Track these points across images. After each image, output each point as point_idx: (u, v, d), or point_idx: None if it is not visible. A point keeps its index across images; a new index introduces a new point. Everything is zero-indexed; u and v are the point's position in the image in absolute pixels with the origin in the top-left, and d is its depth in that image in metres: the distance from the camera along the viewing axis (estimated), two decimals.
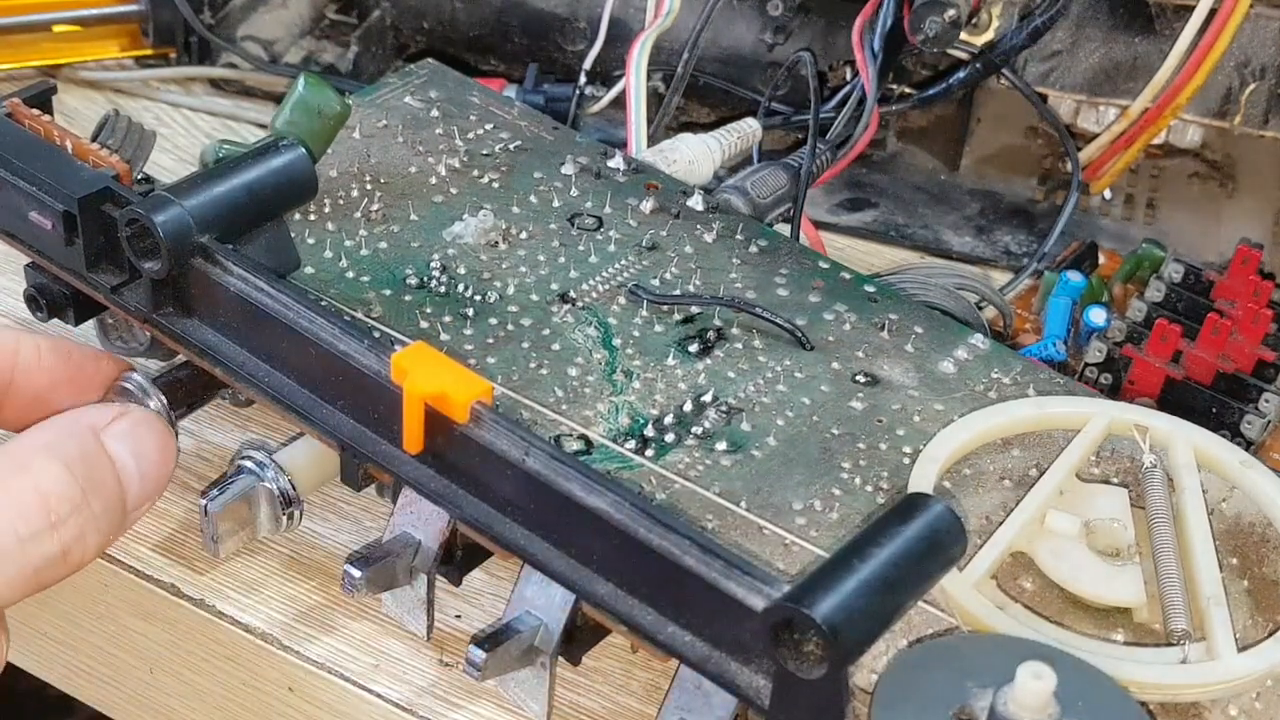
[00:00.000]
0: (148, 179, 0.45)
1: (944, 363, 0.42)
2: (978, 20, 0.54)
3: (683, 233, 0.46)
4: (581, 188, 0.47)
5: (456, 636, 0.39)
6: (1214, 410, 0.44)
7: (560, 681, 0.38)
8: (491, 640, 0.35)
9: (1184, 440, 0.40)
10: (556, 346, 0.42)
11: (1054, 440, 0.40)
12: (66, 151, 0.41)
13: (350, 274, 0.44)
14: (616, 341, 0.42)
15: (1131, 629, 0.37)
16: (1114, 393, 0.46)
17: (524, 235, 0.45)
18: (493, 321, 0.42)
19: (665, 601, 0.33)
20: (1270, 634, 0.36)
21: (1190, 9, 0.51)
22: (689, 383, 0.41)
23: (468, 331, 0.42)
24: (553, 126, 0.50)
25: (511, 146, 0.49)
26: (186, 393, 0.40)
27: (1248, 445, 0.44)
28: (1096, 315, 0.47)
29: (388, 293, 0.43)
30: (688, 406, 0.41)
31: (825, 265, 0.46)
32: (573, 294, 0.44)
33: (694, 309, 0.43)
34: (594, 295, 0.44)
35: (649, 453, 0.39)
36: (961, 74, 0.55)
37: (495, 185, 0.47)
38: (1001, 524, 0.38)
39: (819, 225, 0.53)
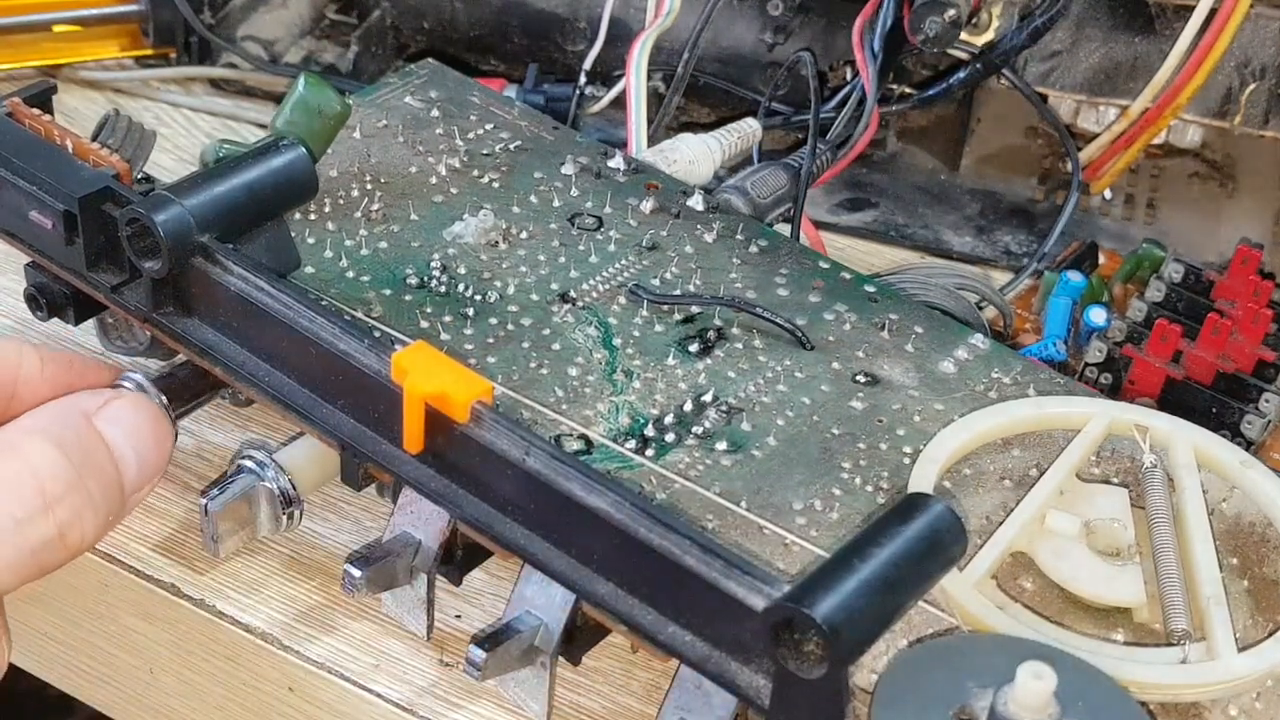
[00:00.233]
0: (148, 179, 0.45)
1: (944, 363, 0.42)
2: (978, 20, 0.54)
3: (683, 233, 0.46)
4: (581, 188, 0.47)
5: (456, 636, 0.39)
6: (1214, 410, 0.44)
7: (560, 681, 0.38)
8: (491, 640, 0.35)
9: (1184, 440, 0.40)
10: (557, 346, 0.42)
11: (1054, 440, 0.40)
12: (67, 151, 0.41)
13: (350, 273, 0.44)
14: (617, 341, 0.42)
15: (1131, 629, 0.37)
16: (1114, 393, 0.46)
17: (524, 235, 0.45)
18: (493, 321, 0.42)
19: (665, 601, 0.33)
20: (1270, 634, 0.36)
21: (1190, 9, 0.51)
22: (689, 382, 0.41)
23: (468, 331, 0.42)
24: (553, 126, 0.50)
25: (512, 146, 0.49)
26: (186, 392, 0.40)
27: (1248, 445, 0.44)
28: (1096, 315, 0.47)
29: (388, 292, 0.43)
30: (688, 406, 0.41)
31: (825, 265, 0.46)
32: (573, 294, 0.44)
33: (694, 309, 0.43)
34: (594, 295, 0.44)
35: (649, 452, 0.39)
36: (961, 74, 0.55)
37: (495, 185, 0.47)
38: (1001, 524, 0.38)
39: (819, 225, 0.53)
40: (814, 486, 0.39)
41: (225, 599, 0.40)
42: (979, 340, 0.43)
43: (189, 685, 0.42)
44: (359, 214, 0.46)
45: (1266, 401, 0.44)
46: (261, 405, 0.40)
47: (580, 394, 0.41)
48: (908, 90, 0.56)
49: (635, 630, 0.33)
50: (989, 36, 0.54)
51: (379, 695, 0.38)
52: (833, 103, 0.54)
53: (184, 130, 0.58)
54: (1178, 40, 0.51)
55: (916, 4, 0.50)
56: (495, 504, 0.35)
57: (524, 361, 0.41)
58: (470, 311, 0.43)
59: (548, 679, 0.36)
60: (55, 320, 0.42)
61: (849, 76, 0.55)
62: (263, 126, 0.58)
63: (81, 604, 0.43)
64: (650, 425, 0.40)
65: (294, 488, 0.39)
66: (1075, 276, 0.49)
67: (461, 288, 0.43)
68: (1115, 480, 0.40)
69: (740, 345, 0.42)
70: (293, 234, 0.41)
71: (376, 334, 0.41)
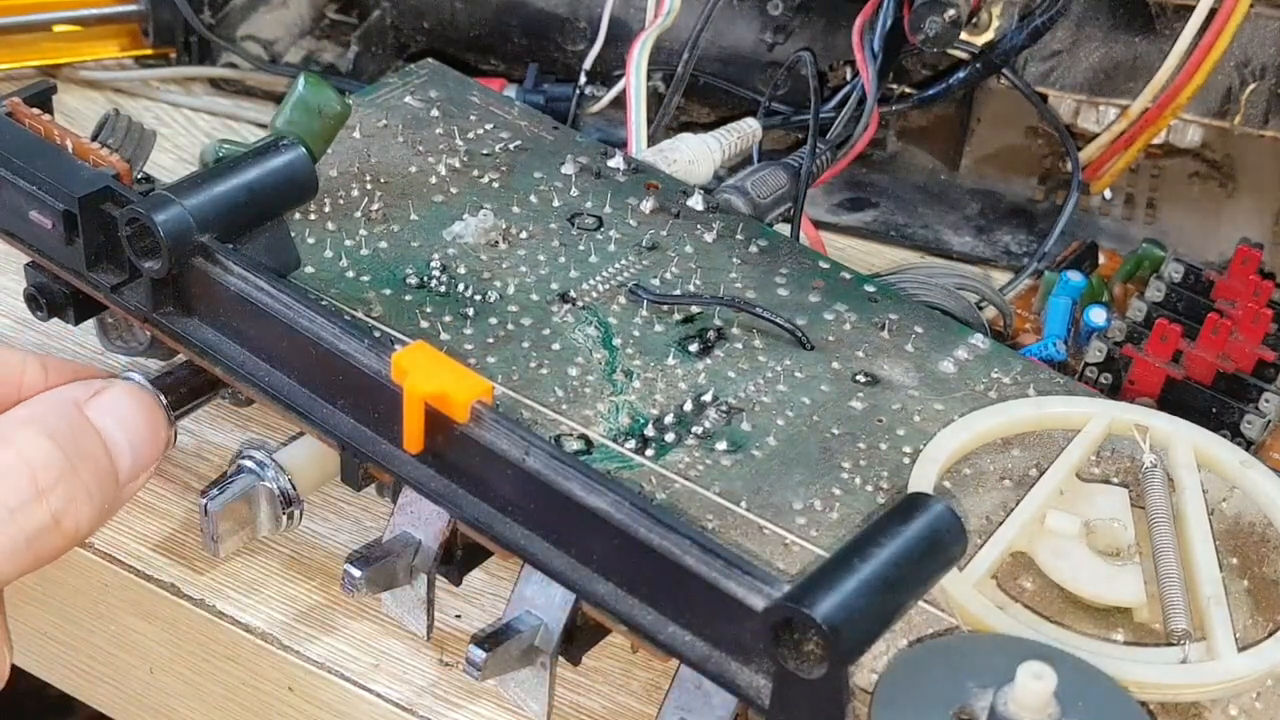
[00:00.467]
0: (148, 178, 0.45)
1: (944, 362, 0.42)
2: (978, 20, 0.54)
3: (683, 232, 0.46)
4: (581, 187, 0.47)
5: (456, 636, 0.39)
6: (1214, 410, 0.44)
7: (560, 681, 0.38)
8: (491, 640, 0.35)
9: (1184, 440, 0.40)
10: (557, 346, 0.42)
11: (1054, 440, 0.40)
12: (67, 151, 0.41)
13: (350, 273, 0.44)
14: (616, 341, 0.42)
15: (1131, 629, 0.37)
16: (1114, 393, 0.46)
17: (524, 235, 0.45)
18: (493, 321, 0.42)
19: (665, 601, 0.33)
20: (1270, 634, 0.36)
21: (1190, 9, 0.50)
22: (689, 382, 0.41)
23: (468, 331, 0.42)
24: (553, 126, 0.50)
25: (511, 146, 0.49)
26: (186, 392, 0.40)
27: (1248, 445, 0.44)
28: (1096, 315, 0.47)
29: (388, 292, 0.43)
30: (688, 406, 0.41)
31: (825, 265, 0.46)
32: (573, 294, 0.44)
33: (694, 309, 0.43)
34: (594, 295, 0.44)
35: (649, 452, 0.39)
36: (961, 74, 0.55)
37: (495, 185, 0.47)
38: (1001, 524, 0.38)
39: (819, 225, 0.53)
40: (814, 486, 0.39)
41: (225, 599, 0.40)
42: (979, 340, 0.43)
43: (189, 685, 0.42)
44: (359, 214, 0.46)
45: (1266, 401, 0.44)
46: (261, 405, 0.40)
47: (580, 394, 0.41)
48: (908, 90, 0.56)
49: (635, 630, 0.33)
50: (989, 36, 0.54)
51: (379, 695, 0.38)
52: (833, 103, 0.54)
53: (184, 130, 0.58)
54: (1178, 40, 0.51)
55: (916, 4, 0.50)
56: (495, 504, 0.35)
57: (524, 361, 0.41)
58: (470, 311, 0.43)
59: (548, 679, 0.36)
60: (55, 320, 0.42)
61: (849, 76, 0.55)
62: (263, 126, 0.58)
63: (81, 604, 0.43)
64: (650, 425, 0.40)
65: (294, 488, 0.39)
66: (1075, 276, 0.49)
67: (461, 288, 0.43)
68: (1115, 480, 0.40)
69: (740, 345, 0.42)
70: (293, 234, 0.41)
71: (376, 334, 0.41)
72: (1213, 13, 0.50)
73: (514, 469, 0.34)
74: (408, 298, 0.43)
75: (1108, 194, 0.56)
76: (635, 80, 0.51)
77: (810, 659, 0.31)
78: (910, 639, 0.36)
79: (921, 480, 0.38)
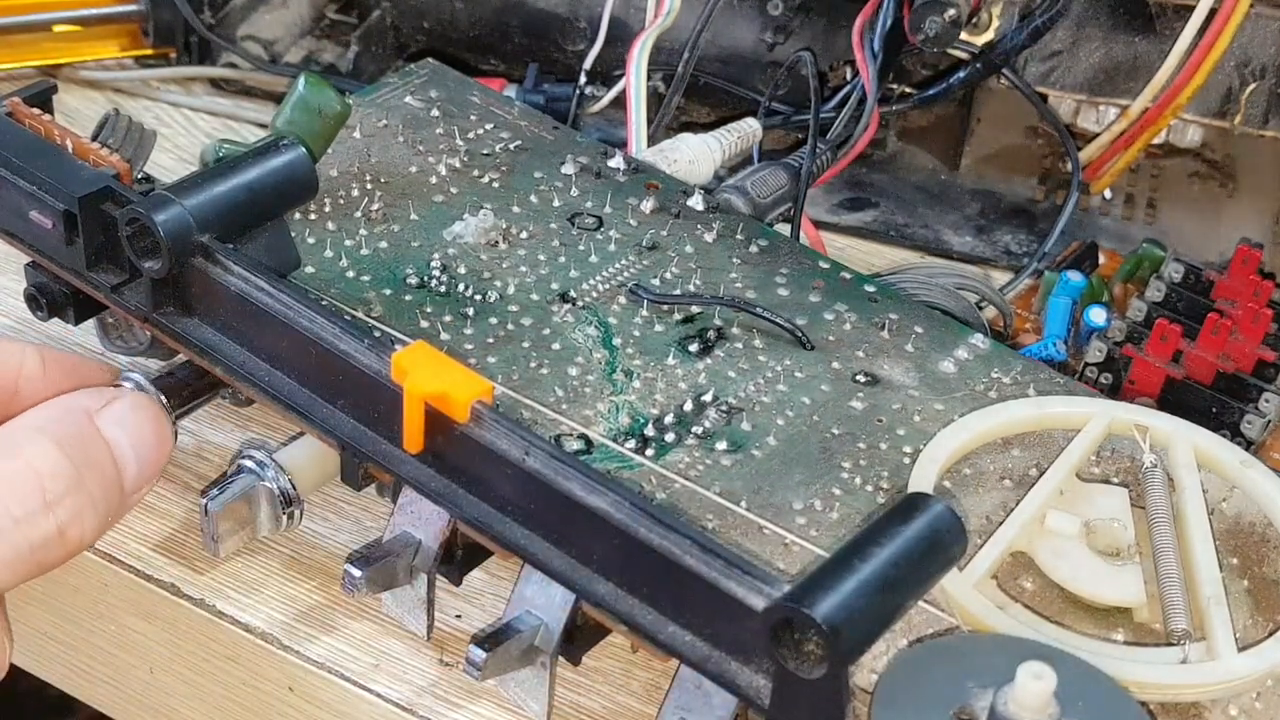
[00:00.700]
0: (148, 178, 0.45)
1: (944, 362, 0.42)
2: (978, 20, 0.54)
3: (683, 232, 0.46)
4: (582, 187, 0.47)
5: (456, 636, 0.39)
6: (1214, 410, 0.44)
7: (560, 681, 0.38)
8: (491, 640, 0.35)
9: (1184, 440, 0.40)
10: (557, 346, 0.42)
11: (1054, 440, 0.40)
12: (67, 151, 0.41)
13: (350, 273, 0.44)
14: (617, 341, 0.42)
15: (1131, 629, 0.37)
16: (1114, 392, 0.46)
17: (524, 235, 0.45)
18: (493, 321, 0.42)
19: (665, 601, 0.33)
20: (1270, 634, 0.36)
21: (1190, 9, 0.50)
22: (689, 382, 0.41)
23: (468, 331, 0.42)
24: (553, 126, 0.50)
25: (511, 146, 0.49)
26: (187, 392, 0.40)
27: (1248, 445, 0.44)
28: (1096, 315, 0.47)
29: (388, 292, 0.43)
30: (688, 406, 0.41)
31: (825, 265, 0.46)
32: (573, 293, 0.44)
33: (694, 309, 0.43)
34: (594, 295, 0.44)
35: (649, 452, 0.39)
36: (961, 74, 0.55)
37: (495, 185, 0.47)
38: (1001, 524, 0.38)
39: (819, 225, 0.53)
40: (814, 486, 0.39)
41: (225, 599, 0.40)
42: (979, 340, 0.43)
43: (189, 685, 0.42)
44: (359, 214, 0.46)
45: (1266, 401, 0.44)
46: (261, 405, 0.40)
47: (580, 394, 0.41)
48: (908, 90, 0.56)
49: (635, 630, 0.33)
50: (989, 36, 0.54)
51: (379, 695, 0.38)
52: (833, 103, 0.54)
53: (184, 130, 0.58)
54: (1178, 40, 0.51)
55: (916, 4, 0.50)
56: (495, 504, 0.35)
57: (524, 361, 0.41)
58: (470, 311, 0.43)
59: (548, 679, 0.36)
60: (55, 320, 0.42)
61: (849, 76, 0.55)
62: (263, 126, 0.58)
63: (81, 604, 0.43)
64: (650, 425, 0.40)
65: (294, 488, 0.39)
66: (1075, 276, 0.49)
67: (461, 287, 0.43)
68: (1115, 480, 0.40)
69: (740, 345, 0.42)
70: (293, 234, 0.41)
71: (376, 334, 0.41)
72: (1213, 13, 0.50)
73: (514, 469, 0.34)
74: (408, 298, 0.43)
75: (1108, 194, 0.56)
76: (635, 80, 0.51)
77: (810, 659, 0.31)
78: (910, 639, 0.36)
79: (921, 480, 0.38)
